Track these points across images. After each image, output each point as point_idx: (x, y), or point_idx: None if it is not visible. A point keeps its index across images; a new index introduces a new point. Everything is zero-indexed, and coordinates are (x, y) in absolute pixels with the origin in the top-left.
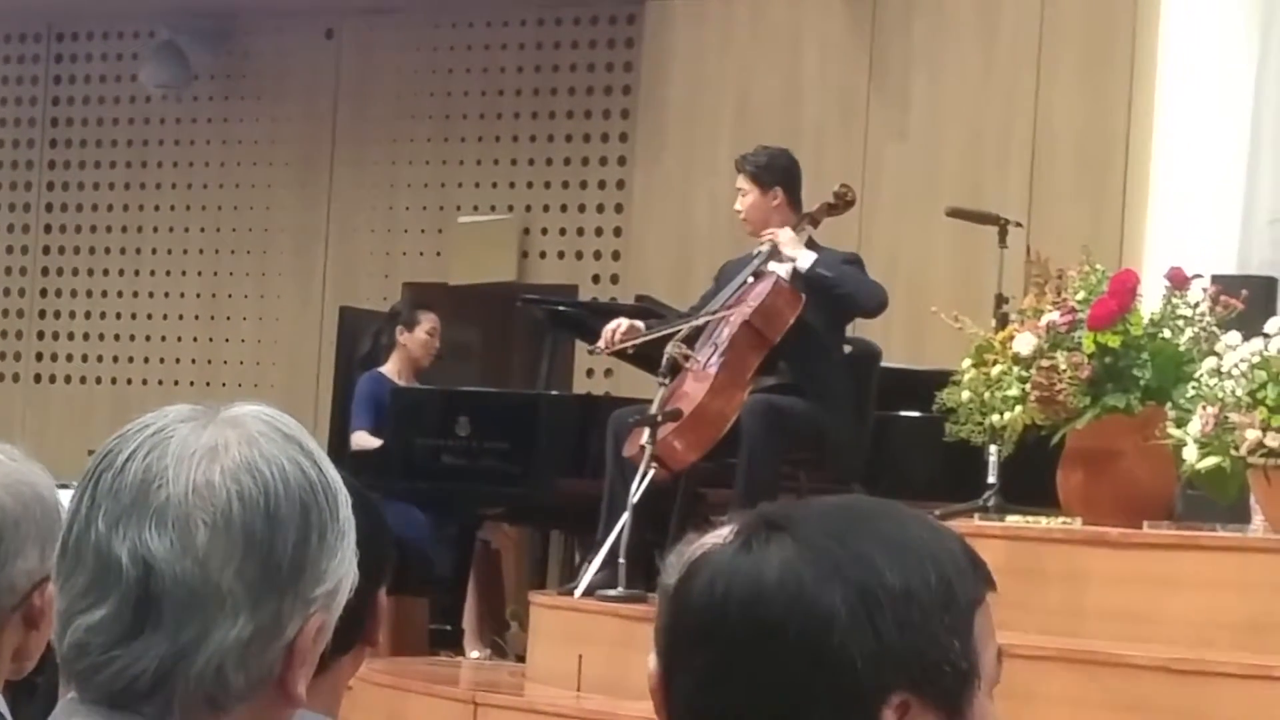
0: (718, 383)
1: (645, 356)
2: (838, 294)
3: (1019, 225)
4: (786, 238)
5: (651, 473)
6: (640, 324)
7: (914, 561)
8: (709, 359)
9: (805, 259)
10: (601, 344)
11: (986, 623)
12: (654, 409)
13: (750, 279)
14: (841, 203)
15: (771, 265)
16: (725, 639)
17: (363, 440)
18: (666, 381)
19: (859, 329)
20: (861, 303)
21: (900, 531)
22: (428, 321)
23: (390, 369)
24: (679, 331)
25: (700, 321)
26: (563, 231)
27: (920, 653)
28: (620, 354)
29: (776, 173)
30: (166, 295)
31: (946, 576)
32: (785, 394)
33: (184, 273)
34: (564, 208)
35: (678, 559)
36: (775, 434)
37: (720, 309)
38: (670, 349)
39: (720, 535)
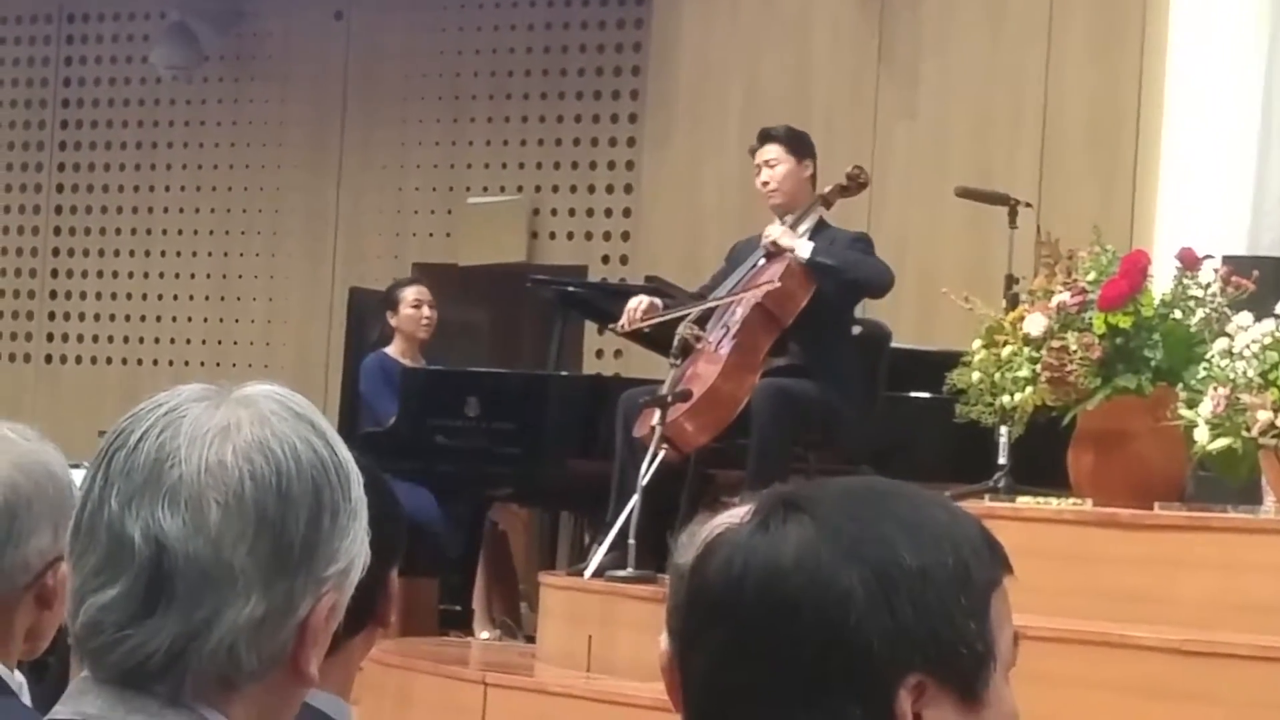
0: (729, 364)
1: (656, 337)
2: (843, 280)
3: (1029, 205)
4: (778, 232)
5: (661, 454)
6: (659, 302)
7: (931, 543)
8: (721, 340)
9: (804, 249)
10: (624, 321)
11: (1003, 605)
12: (665, 390)
13: (763, 260)
14: (854, 184)
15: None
16: (741, 617)
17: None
18: (678, 362)
19: (869, 310)
20: (866, 287)
21: (918, 513)
22: (410, 295)
23: (394, 350)
24: (694, 312)
25: (715, 304)
26: (572, 212)
27: (936, 634)
28: (635, 334)
29: (809, 145)
30: (177, 276)
31: (964, 558)
32: (794, 375)
33: (194, 254)
34: (573, 188)
35: (692, 538)
36: (785, 417)
37: (734, 290)
38: (682, 330)
39: (737, 514)
